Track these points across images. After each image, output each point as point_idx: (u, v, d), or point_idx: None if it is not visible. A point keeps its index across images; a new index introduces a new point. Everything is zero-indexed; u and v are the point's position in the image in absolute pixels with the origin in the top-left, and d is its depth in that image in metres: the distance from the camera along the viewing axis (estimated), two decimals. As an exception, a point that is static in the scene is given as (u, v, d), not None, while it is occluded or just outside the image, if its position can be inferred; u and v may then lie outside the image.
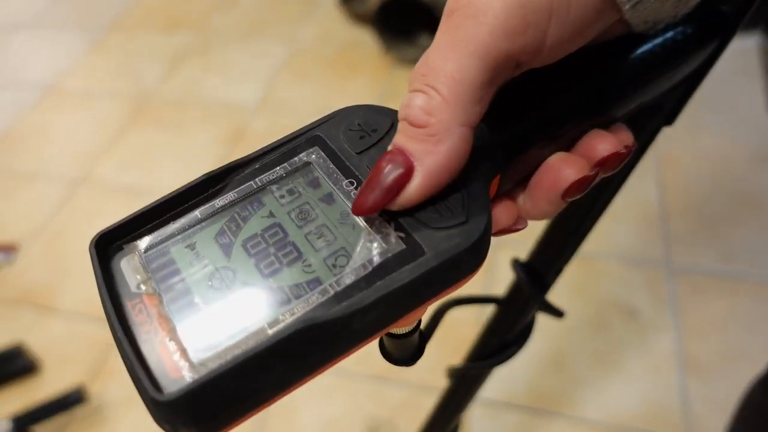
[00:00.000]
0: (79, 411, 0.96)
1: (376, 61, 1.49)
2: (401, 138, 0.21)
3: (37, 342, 1.05)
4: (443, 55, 0.20)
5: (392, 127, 0.23)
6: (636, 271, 1.06)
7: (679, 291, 1.02)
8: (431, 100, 0.20)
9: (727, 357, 0.94)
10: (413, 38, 1.46)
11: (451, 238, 0.20)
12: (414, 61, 1.45)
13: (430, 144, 0.20)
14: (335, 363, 0.19)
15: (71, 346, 1.05)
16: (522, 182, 0.24)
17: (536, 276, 0.40)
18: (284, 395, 0.18)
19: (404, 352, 0.26)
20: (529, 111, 0.23)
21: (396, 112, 0.24)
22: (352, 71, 1.48)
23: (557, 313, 0.41)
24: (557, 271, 0.40)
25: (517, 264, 0.41)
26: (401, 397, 0.94)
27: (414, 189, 0.20)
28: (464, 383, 0.51)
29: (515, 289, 0.43)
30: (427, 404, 0.61)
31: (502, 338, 0.45)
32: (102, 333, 1.05)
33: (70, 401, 0.95)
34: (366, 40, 1.54)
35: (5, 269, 1.17)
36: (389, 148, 0.22)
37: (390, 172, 0.20)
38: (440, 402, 0.55)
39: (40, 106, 1.52)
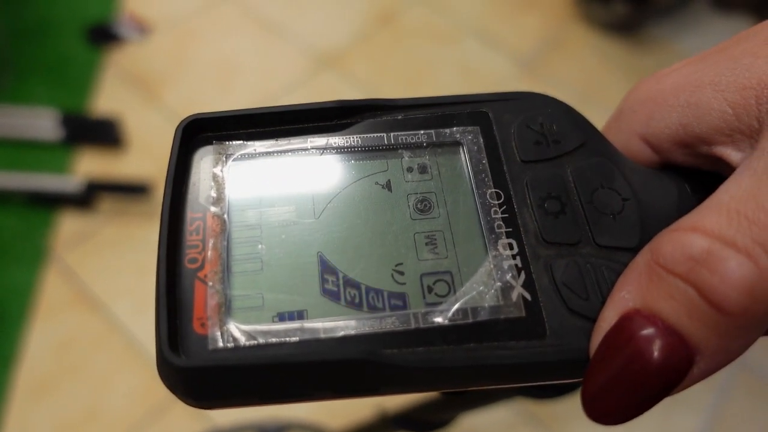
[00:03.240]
0: (139, 205, 1.02)
1: (559, 8, 1.36)
2: (681, 317, 0.13)
3: (131, 124, 1.11)
4: None
5: (581, 147, 0.18)
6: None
7: (734, 384, 0.94)
8: (764, 276, 0.12)
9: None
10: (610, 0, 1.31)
11: (585, 332, 0.15)
12: (601, 25, 1.31)
13: (731, 339, 0.13)
14: (366, 397, 0.16)
15: (157, 141, 1.10)
16: None
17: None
18: (295, 403, 0.16)
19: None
20: None
21: (596, 132, 0.19)
22: (528, 6, 1.36)
23: None
24: None
25: None
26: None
27: (681, 386, 0.14)
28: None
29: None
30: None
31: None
32: (187, 144, 1.09)
33: (137, 188, 1.01)
34: (558, -22, 1.40)
35: (134, 46, 1.22)
36: (639, 303, 0.14)
37: (661, 364, 0.13)
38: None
39: None
